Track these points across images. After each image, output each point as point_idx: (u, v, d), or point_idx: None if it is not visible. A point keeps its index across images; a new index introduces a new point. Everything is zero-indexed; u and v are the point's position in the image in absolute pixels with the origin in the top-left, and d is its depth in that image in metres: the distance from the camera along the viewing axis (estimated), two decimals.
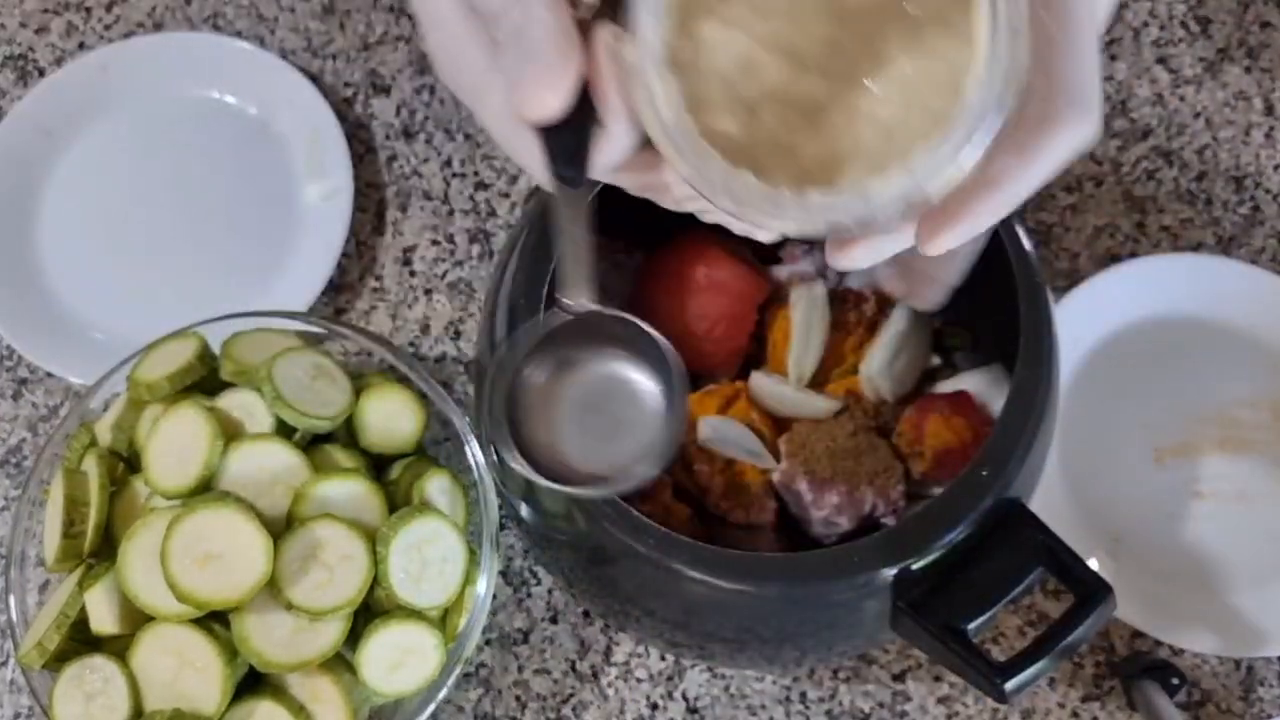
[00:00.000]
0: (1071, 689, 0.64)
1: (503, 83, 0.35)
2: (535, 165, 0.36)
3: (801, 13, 0.35)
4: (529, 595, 0.66)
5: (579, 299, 0.40)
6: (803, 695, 0.64)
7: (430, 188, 0.74)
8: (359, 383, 0.61)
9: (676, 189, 0.39)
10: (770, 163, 0.35)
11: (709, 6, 0.34)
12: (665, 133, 0.34)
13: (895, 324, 0.59)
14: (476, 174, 0.74)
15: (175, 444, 0.56)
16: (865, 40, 0.34)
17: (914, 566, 0.47)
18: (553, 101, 0.33)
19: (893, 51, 0.34)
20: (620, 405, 0.41)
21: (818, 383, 0.59)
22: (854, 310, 0.60)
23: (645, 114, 0.34)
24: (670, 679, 0.64)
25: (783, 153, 0.35)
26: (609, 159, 0.36)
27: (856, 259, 0.37)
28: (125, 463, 0.59)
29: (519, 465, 0.40)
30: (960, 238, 0.35)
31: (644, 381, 0.41)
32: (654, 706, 0.64)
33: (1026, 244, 0.51)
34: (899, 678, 0.64)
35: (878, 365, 0.58)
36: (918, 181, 0.33)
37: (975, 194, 0.34)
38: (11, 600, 0.59)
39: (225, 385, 0.60)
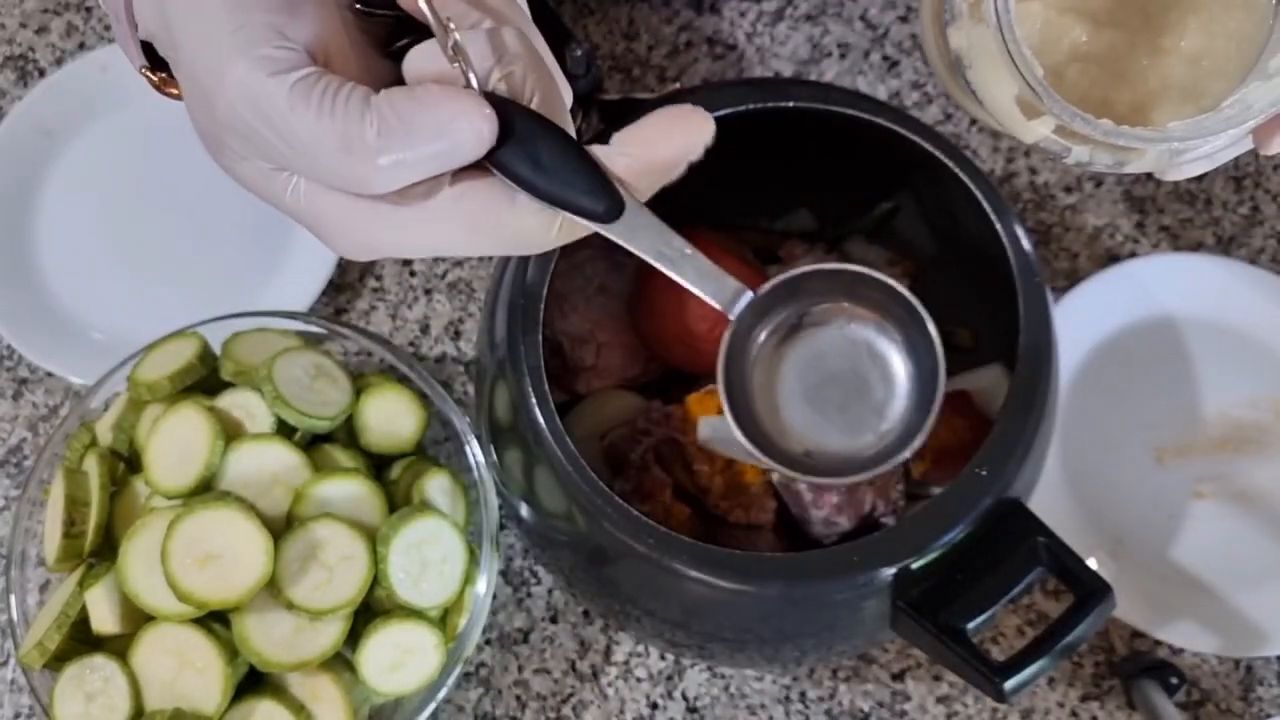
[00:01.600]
0: (1071, 688, 0.64)
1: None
2: (536, 230, 0.33)
3: None
4: (529, 595, 0.66)
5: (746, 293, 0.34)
6: (802, 695, 0.64)
7: None
8: (359, 383, 0.61)
9: None
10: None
11: None
12: (1034, 88, 0.35)
13: None
14: None
15: (175, 444, 0.56)
16: None
17: (914, 566, 0.47)
18: (485, 122, 0.31)
19: None
20: (860, 377, 0.35)
21: None
22: None
23: (1017, 70, 0.35)
24: (670, 679, 0.64)
25: (1095, 106, 0.36)
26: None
27: (1189, 172, 0.39)
28: (126, 463, 0.60)
29: (740, 438, 0.35)
30: None
31: (888, 349, 0.36)
32: (654, 706, 0.64)
33: (1026, 244, 0.51)
34: (898, 677, 0.64)
35: None
36: (1249, 103, 0.34)
37: None
38: (12, 600, 0.59)
39: (225, 385, 0.60)
